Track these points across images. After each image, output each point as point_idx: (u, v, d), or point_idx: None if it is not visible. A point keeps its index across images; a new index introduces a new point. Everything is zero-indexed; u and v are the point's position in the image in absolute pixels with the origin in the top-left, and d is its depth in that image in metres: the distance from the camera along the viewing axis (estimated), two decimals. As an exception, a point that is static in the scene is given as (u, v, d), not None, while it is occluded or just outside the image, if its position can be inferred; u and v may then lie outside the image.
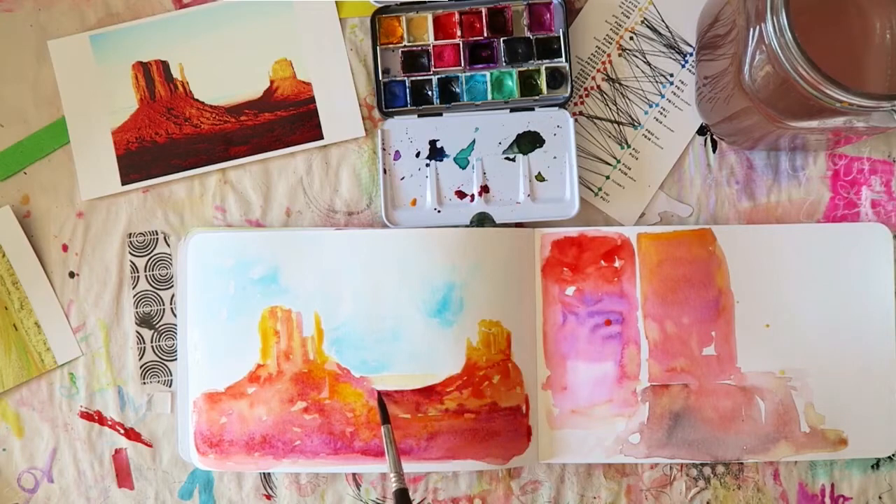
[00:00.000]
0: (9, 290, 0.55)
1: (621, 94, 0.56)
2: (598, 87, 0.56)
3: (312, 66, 0.56)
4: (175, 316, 0.55)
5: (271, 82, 0.56)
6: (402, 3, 0.55)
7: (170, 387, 0.55)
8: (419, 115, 0.55)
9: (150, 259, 0.56)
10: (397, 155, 0.55)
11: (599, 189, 0.56)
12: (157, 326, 0.55)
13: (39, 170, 0.56)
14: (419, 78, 0.55)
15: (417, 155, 0.55)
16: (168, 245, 0.56)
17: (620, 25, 0.56)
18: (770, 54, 0.44)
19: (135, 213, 0.56)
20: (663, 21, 0.56)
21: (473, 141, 0.55)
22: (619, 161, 0.56)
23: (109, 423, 0.55)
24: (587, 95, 0.56)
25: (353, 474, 0.55)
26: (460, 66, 0.55)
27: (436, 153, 0.55)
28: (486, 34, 0.55)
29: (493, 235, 0.53)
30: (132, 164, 0.56)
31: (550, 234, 0.54)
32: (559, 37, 0.55)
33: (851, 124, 0.46)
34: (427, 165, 0.55)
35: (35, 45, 0.56)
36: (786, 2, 0.42)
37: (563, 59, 0.55)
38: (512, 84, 0.55)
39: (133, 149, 0.56)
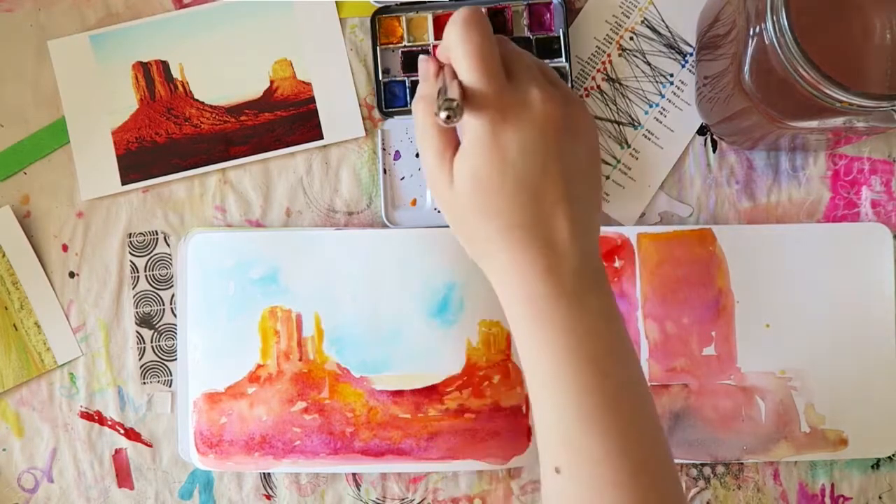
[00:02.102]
0: (9, 290, 0.55)
1: (621, 94, 0.56)
2: (598, 87, 0.56)
3: (312, 66, 0.56)
4: (175, 316, 0.55)
5: (271, 82, 0.56)
6: (402, 3, 0.55)
7: (170, 387, 0.55)
8: (419, 115, 0.55)
9: (150, 259, 0.56)
10: (397, 155, 0.55)
11: (599, 189, 0.56)
12: (157, 326, 0.55)
13: (39, 170, 0.56)
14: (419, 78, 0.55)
15: (417, 155, 0.55)
16: (168, 245, 0.56)
17: (620, 25, 0.56)
18: (770, 54, 0.44)
19: (135, 213, 0.56)
20: (663, 21, 0.56)
21: (473, 141, 0.55)
22: (619, 161, 0.56)
23: (109, 423, 0.55)
24: (587, 95, 0.56)
25: (353, 474, 0.55)
26: (460, 66, 0.55)
27: (436, 153, 0.55)
28: (486, 34, 0.55)
29: (493, 235, 0.53)
30: (132, 164, 0.56)
31: (550, 234, 0.54)
32: (559, 37, 0.55)
33: (851, 124, 0.45)
34: (427, 165, 0.55)
35: (35, 45, 0.56)
36: (786, 2, 0.42)
37: (563, 59, 0.55)
38: (512, 84, 0.55)
39: (133, 149, 0.56)
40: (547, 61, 0.55)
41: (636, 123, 0.56)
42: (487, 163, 0.39)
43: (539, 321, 0.40)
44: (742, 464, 0.55)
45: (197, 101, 0.56)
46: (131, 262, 0.56)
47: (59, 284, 0.55)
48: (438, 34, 0.55)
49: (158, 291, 0.56)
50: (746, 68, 0.46)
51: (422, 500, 0.55)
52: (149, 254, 0.56)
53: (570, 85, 0.55)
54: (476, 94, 0.39)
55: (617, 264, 0.54)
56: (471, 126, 0.39)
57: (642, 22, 0.56)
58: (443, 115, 0.36)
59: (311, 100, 0.56)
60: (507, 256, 0.40)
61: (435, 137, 0.41)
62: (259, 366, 0.53)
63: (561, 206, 0.40)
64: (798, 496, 0.55)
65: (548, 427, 0.41)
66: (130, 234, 0.56)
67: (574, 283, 0.40)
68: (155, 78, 0.56)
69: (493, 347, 0.53)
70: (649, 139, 0.56)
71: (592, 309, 0.40)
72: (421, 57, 0.45)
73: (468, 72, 0.39)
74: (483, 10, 0.40)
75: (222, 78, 0.56)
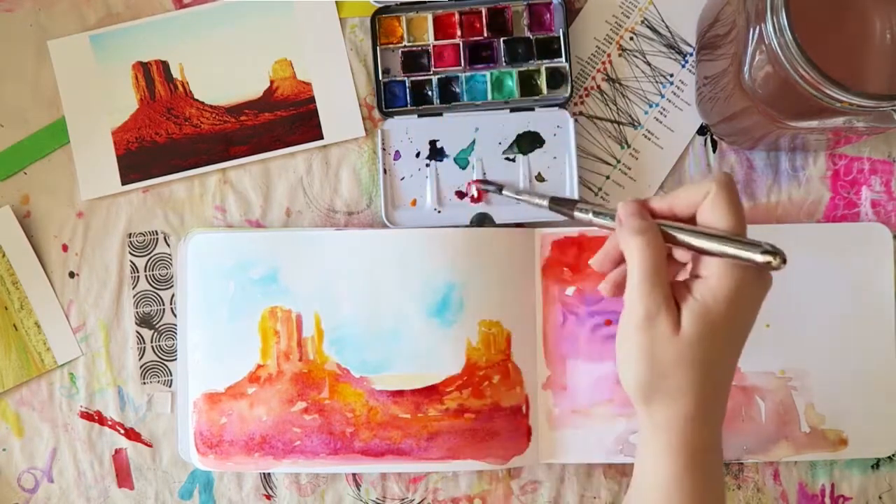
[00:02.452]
0: (9, 290, 0.55)
1: (621, 94, 0.56)
2: (598, 87, 0.56)
3: (312, 66, 0.56)
4: (175, 316, 0.55)
5: (271, 82, 0.56)
6: (402, 3, 0.55)
7: (170, 387, 0.55)
8: (419, 115, 0.55)
9: (150, 259, 0.56)
10: (397, 155, 0.55)
11: (599, 189, 0.56)
12: (157, 326, 0.55)
13: (39, 170, 0.56)
14: (419, 78, 0.55)
15: (417, 155, 0.55)
16: (168, 245, 0.56)
17: (620, 25, 0.56)
18: (770, 54, 0.44)
19: (135, 213, 0.56)
20: (663, 21, 0.56)
21: (473, 141, 0.55)
22: (619, 161, 0.56)
23: (109, 423, 0.55)
24: (587, 95, 0.56)
25: (353, 474, 0.55)
26: (460, 66, 0.55)
27: (436, 153, 0.55)
28: (486, 34, 0.55)
29: (493, 235, 0.53)
30: (132, 164, 0.56)
31: (550, 234, 0.54)
32: (559, 37, 0.55)
33: (851, 124, 0.45)
34: (427, 165, 0.55)
35: (35, 45, 0.56)
36: (786, 2, 0.42)
37: (563, 59, 0.55)
38: (512, 84, 0.55)
39: (133, 149, 0.56)
40: (547, 61, 0.55)
41: (636, 123, 0.56)
42: (735, 312, 0.40)
43: (694, 470, 0.41)
44: (742, 464, 0.55)
45: (197, 101, 0.56)
46: (131, 262, 0.56)
47: (59, 284, 0.55)
48: (438, 34, 0.55)
49: (158, 291, 0.56)
50: (746, 68, 0.46)
51: (422, 500, 0.55)
52: (149, 254, 0.56)
53: (570, 85, 0.55)
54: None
55: (617, 264, 0.54)
56: (731, 274, 0.39)
57: (642, 22, 0.56)
58: (776, 261, 0.38)
59: (311, 100, 0.56)
60: (690, 402, 0.40)
61: (664, 283, 0.40)
62: (259, 366, 0.53)
63: (739, 357, 0.42)
64: (798, 496, 0.55)
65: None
66: (130, 234, 0.56)
67: (718, 433, 0.42)
68: (155, 78, 0.56)
69: (493, 347, 0.53)
70: (649, 139, 0.56)
71: (718, 462, 0.43)
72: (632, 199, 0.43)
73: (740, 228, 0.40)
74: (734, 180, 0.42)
75: (222, 78, 0.56)
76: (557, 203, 0.46)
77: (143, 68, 0.56)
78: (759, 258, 0.37)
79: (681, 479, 0.40)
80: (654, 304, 0.40)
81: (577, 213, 0.44)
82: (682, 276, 0.43)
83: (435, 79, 0.55)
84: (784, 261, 0.37)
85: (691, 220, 0.41)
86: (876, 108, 0.43)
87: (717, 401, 0.41)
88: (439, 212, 0.55)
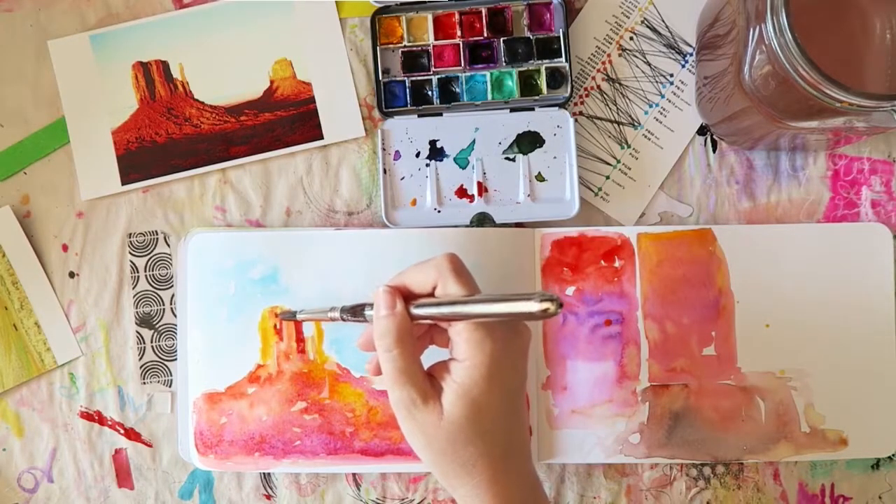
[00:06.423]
0: (9, 290, 0.55)
1: (621, 94, 0.56)
2: (598, 87, 0.56)
3: (312, 66, 0.56)
4: (175, 316, 0.55)
5: (271, 82, 0.56)
6: (402, 3, 0.55)
7: (170, 387, 0.55)
8: (419, 115, 0.55)
9: (150, 259, 0.56)
10: (397, 155, 0.55)
11: (599, 189, 0.56)
12: (157, 326, 0.55)
13: (39, 170, 0.56)
14: (419, 78, 0.55)
15: (417, 155, 0.55)
16: (168, 245, 0.56)
17: (620, 25, 0.56)
18: (770, 54, 0.44)
19: (135, 213, 0.56)
20: (663, 21, 0.56)
21: (473, 141, 0.55)
22: (619, 161, 0.56)
23: (109, 423, 0.55)
24: (587, 95, 0.56)
25: (353, 474, 0.55)
26: (460, 66, 0.55)
27: (436, 153, 0.55)
28: (486, 34, 0.55)
29: (493, 235, 0.53)
30: (132, 164, 0.56)
31: (550, 234, 0.54)
32: (559, 37, 0.55)
33: (851, 124, 0.46)
34: (427, 165, 0.55)
35: (35, 45, 0.56)
36: (786, 2, 0.42)
37: (563, 59, 0.55)
38: (512, 84, 0.55)
39: (133, 149, 0.56)
40: (547, 61, 0.55)
41: (636, 123, 0.56)
42: (498, 379, 0.41)
43: None
44: (742, 464, 0.55)
45: (197, 101, 0.56)
46: (131, 262, 0.56)
47: (59, 284, 0.55)
48: (438, 34, 0.55)
49: (158, 291, 0.56)
50: (746, 68, 0.46)
51: (422, 500, 0.55)
52: (149, 254, 0.56)
53: (570, 85, 0.55)
54: (491, 324, 0.42)
55: (617, 264, 0.54)
56: (482, 350, 0.41)
57: (642, 22, 0.56)
58: (553, 306, 0.37)
59: (311, 100, 0.56)
60: (483, 471, 0.42)
61: (417, 380, 0.42)
62: (259, 366, 0.53)
63: (527, 418, 0.44)
64: (798, 496, 0.55)
65: None
66: (130, 234, 0.56)
67: (527, 481, 0.44)
68: (155, 78, 0.56)
69: (493, 347, 0.53)
70: (649, 139, 0.56)
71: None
72: (385, 289, 0.43)
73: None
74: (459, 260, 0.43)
75: (222, 78, 0.56)
76: (350, 313, 0.46)
77: (143, 68, 0.56)
78: (536, 307, 0.38)
79: None
80: (408, 398, 0.41)
81: (366, 313, 0.45)
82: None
83: (435, 79, 0.55)
84: (561, 305, 0.38)
85: (430, 296, 0.43)
86: (876, 108, 0.43)
87: (513, 457, 0.43)
88: (439, 212, 0.55)
